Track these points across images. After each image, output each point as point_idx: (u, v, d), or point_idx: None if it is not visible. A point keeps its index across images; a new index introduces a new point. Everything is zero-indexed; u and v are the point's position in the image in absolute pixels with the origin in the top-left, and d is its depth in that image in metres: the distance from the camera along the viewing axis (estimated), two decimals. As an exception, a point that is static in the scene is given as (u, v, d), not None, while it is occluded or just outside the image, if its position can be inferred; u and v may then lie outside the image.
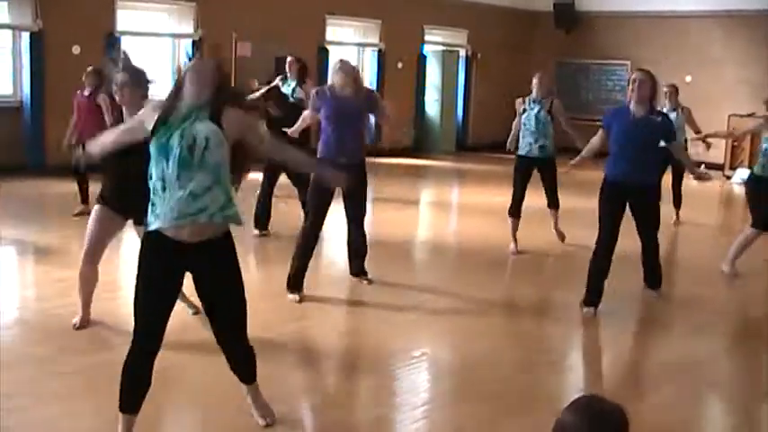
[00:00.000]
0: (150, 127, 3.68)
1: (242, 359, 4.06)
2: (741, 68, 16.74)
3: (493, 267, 8.09)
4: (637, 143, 6.33)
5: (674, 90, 10.33)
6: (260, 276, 7.64)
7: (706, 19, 17.21)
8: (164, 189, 3.61)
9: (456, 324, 6.26)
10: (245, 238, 8.74)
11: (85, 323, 5.58)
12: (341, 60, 6.83)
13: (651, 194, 6.70)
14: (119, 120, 5.12)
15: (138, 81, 5.16)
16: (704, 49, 17.32)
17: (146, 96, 5.14)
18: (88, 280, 5.56)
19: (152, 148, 3.64)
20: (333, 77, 6.75)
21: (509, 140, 8.69)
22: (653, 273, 6.98)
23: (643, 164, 6.38)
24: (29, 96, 12.07)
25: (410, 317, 6.31)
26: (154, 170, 3.64)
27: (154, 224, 3.66)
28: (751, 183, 8.15)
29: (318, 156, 6.58)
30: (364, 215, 6.96)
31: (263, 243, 8.60)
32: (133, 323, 3.78)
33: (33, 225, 8.86)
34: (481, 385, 5.03)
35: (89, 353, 5.23)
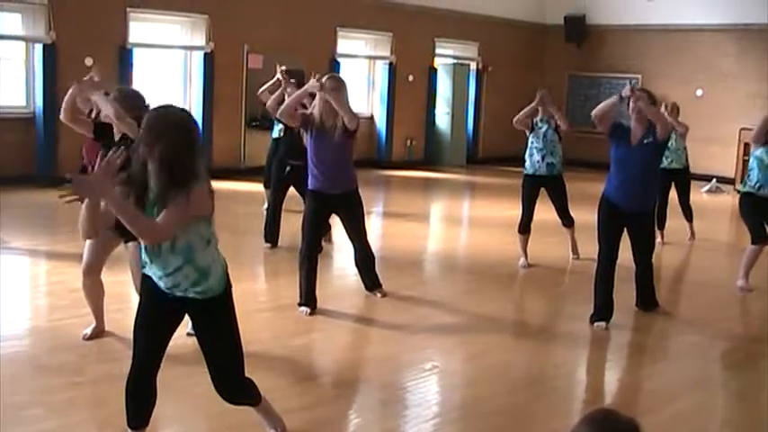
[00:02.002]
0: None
1: (238, 395, 4.01)
2: (753, 82, 16.71)
3: (504, 281, 8.08)
4: (638, 169, 6.36)
5: (675, 108, 10.14)
6: (269, 288, 7.65)
7: (717, 33, 17.19)
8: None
9: (467, 338, 6.25)
10: (255, 250, 8.78)
11: (100, 333, 5.61)
12: (331, 77, 6.62)
13: (649, 219, 6.78)
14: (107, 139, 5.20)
15: (132, 105, 5.24)
16: (715, 63, 17.30)
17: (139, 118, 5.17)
18: (92, 293, 5.59)
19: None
20: (317, 103, 6.54)
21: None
22: (646, 294, 6.94)
23: (644, 190, 6.45)
24: (41, 108, 12.14)
25: (420, 330, 6.30)
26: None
27: (147, 270, 3.69)
28: (741, 200, 8.11)
29: (309, 188, 6.63)
30: (365, 237, 6.96)
31: (273, 255, 8.60)
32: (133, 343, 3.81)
33: (45, 235, 8.90)
34: (492, 399, 5.02)
35: (101, 363, 5.25)
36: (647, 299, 6.94)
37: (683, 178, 10.08)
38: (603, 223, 6.51)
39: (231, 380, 3.92)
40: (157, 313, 3.73)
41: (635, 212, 6.44)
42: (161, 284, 3.65)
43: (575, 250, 8.80)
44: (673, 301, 7.71)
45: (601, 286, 6.48)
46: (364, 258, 6.99)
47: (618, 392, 5.55)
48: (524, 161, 8.45)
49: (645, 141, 6.32)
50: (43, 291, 7.27)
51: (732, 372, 5.97)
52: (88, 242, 5.42)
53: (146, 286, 3.74)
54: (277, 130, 10.01)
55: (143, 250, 3.62)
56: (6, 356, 5.19)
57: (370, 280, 7.05)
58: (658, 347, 6.46)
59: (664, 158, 8.74)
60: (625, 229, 6.55)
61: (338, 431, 4.59)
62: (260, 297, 7.16)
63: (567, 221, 8.62)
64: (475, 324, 6.57)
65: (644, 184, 6.41)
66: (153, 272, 3.64)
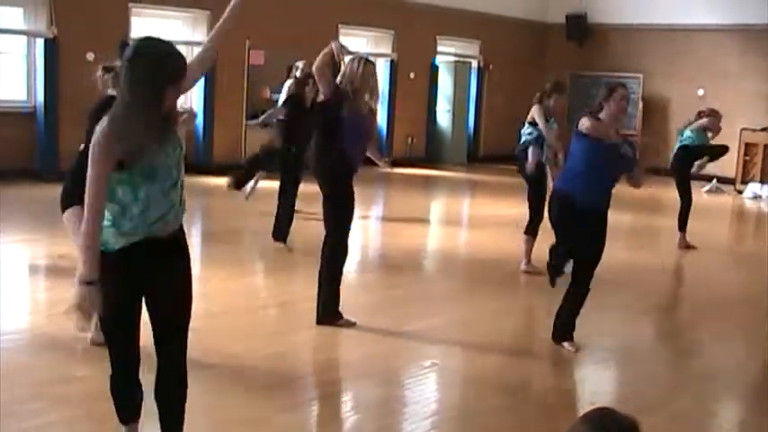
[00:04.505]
0: None
1: (184, 380, 3.67)
2: (754, 82, 16.71)
3: (504, 280, 8.07)
4: (611, 172, 5.80)
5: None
6: (268, 284, 7.66)
7: (719, 32, 17.19)
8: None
9: (466, 335, 6.25)
10: (255, 246, 8.78)
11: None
12: (365, 60, 6.14)
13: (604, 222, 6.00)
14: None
15: None
16: (717, 63, 17.29)
17: None
18: None
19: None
20: (359, 80, 5.97)
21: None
22: (567, 324, 6.02)
23: (609, 193, 5.86)
24: (42, 102, 12.14)
25: (419, 328, 6.30)
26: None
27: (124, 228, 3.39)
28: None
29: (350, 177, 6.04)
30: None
31: (271, 252, 8.58)
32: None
33: (45, 231, 8.88)
34: (490, 397, 5.02)
35: (100, 358, 5.23)
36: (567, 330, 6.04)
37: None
38: (574, 227, 5.80)
39: (183, 356, 3.62)
40: (127, 292, 3.46)
41: (599, 214, 5.86)
42: (141, 233, 3.33)
43: None
44: (669, 301, 7.73)
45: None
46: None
47: (616, 391, 5.55)
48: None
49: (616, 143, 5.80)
50: (43, 285, 7.28)
51: (731, 371, 5.97)
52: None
53: (111, 263, 3.34)
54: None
55: (136, 202, 3.28)
56: (5, 350, 5.20)
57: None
58: (658, 347, 6.46)
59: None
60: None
61: (337, 428, 4.59)
62: (260, 293, 7.16)
63: None
64: (474, 322, 6.58)
65: (611, 186, 5.86)
66: (140, 220, 3.31)
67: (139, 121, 3.18)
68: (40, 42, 12.11)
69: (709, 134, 10.11)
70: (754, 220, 14.34)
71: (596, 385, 5.65)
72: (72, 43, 12.14)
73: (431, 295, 7.29)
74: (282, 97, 10.12)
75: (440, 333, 6.25)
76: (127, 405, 3.74)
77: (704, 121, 10.02)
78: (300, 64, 9.35)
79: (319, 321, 6.03)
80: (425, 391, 5.18)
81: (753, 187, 15.83)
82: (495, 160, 17.93)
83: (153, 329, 3.57)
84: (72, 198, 4.95)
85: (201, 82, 13.78)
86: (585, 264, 5.83)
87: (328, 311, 6.04)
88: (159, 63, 3.22)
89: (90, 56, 12.31)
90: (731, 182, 16.16)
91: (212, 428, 4.39)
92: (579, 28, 18.81)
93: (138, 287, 3.49)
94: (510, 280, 8.08)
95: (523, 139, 7.98)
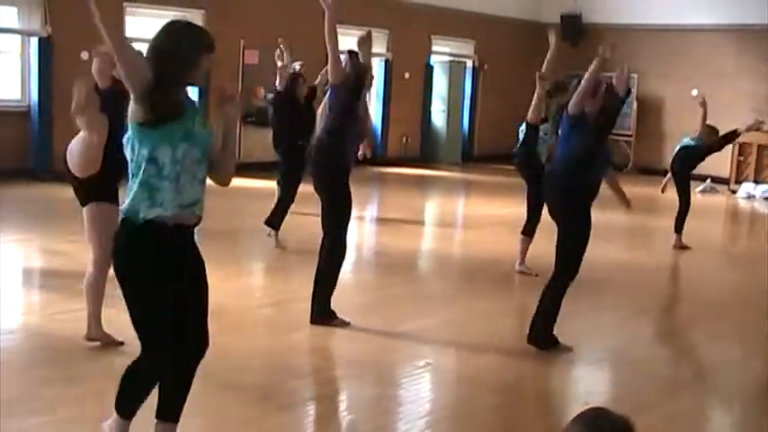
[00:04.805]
0: None
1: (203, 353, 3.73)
2: (749, 82, 16.73)
3: (498, 279, 8.07)
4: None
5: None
6: (264, 284, 7.65)
7: (714, 33, 17.21)
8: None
9: (460, 335, 6.25)
10: (251, 246, 8.77)
11: (99, 338, 5.25)
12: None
13: None
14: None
15: None
16: (712, 63, 17.32)
17: None
18: (99, 292, 5.13)
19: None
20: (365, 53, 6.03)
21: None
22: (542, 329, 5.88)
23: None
24: (37, 101, 12.11)
25: (414, 327, 6.30)
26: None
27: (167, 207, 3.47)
28: None
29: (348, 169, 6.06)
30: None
31: (269, 251, 8.56)
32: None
33: (39, 230, 8.88)
34: (485, 396, 5.03)
35: (94, 359, 5.23)
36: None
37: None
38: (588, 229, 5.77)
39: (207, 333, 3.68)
40: (174, 268, 3.49)
41: None
42: (172, 210, 3.41)
43: None
44: (664, 302, 7.74)
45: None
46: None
47: (611, 391, 5.56)
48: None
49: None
50: (37, 285, 7.26)
51: (726, 372, 5.98)
52: (104, 231, 4.79)
53: (145, 233, 3.41)
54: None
55: (177, 178, 3.39)
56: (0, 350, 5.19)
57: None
58: (652, 347, 6.47)
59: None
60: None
61: (331, 427, 4.59)
62: (255, 293, 7.16)
63: None
64: (469, 322, 6.58)
65: None
66: (174, 194, 3.40)
67: (176, 84, 3.40)
68: (34, 41, 12.08)
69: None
70: (748, 219, 14.38)
71: (591, 385, 5.65)
72: (66, 42, 12.10)
73: (425, 295, 7.29)
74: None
75: (434, 333, 6.25)
76: (139, 396, 3.66)
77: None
78: (298, 65, 9.33)
79: (313, 321, 6.03)
80: (419, 391, 5.18)
81: (746, 187, 15.87)
82: (489, 160, 17.95)
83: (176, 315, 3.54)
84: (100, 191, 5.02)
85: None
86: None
87: (323, 311, 6.04)
88: (195, 31, 3.50)
89: (84, 55, 12.25)
90: (725, 182, 16.19)
91: (206, 428, 4.39)
92: (574, 28, 18.82)
93: (172, 269, 3.50)
94: (504, 280, 8.08)
95: (539, 141, 7.80)
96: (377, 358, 5.66)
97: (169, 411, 3.65)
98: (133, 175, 3.42)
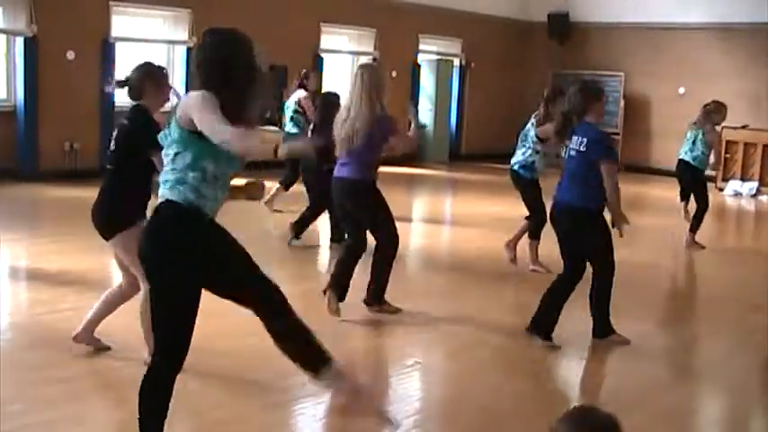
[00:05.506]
0: None
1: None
2: (736, 81, 16.79)
3: (486, 278, 8.08)
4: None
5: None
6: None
7: (701, 31, 17.28)
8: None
9: (449, 334, 6.26)
10: (251, 245, 8.75)
11: (89, 342, 5.21)
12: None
13: None
14: None
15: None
16: (699, 62, 17.39)
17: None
18: (116, 300, 5.13)
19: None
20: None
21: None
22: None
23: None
24: (23, 101, 12.04)
25: (402, 326, 6.30)
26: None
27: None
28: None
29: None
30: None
31: (267, 250, 8.52)
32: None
33: (26, 230, 8.84)
34: (473, 395, 5.03)
35: (82, 359, 5.21)
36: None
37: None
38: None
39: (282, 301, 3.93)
40: (201, 272, 3.64)
41: None
42: (213, 204, 3.65)
43: None
44: (655, 299, 7.76)
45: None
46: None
47: (599, 389, 5.58)
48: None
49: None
50: (24, 286, 7.23)
51: (717, 368, 6.00)
52: (134, 258, 4.33)
53: (189, 217, 3.56)
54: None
55: (215, 177, 3.59)
56: (-14, 351, 5.17)
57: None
58: (642, 344, 6.48)
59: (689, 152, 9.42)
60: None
61: (320, 426, 4.59)
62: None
63: None
64: (457, 320, 6.58)
65: None
66: (216, 192, 3.63)
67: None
68: (19, 41, 12.01)
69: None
70: (735, 217, 14.44)
71: (580, 384, 5.67)
72: (52, 42, 12.06)
73: (413, 293, 7.29)
74: (292, 106, 10.15)
75: (422, 331, 6.26)
76: (161, 410, 3.52)
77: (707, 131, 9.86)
78: (311, 75, 9.24)
79: (368, 303, 6.47)
80: (408, 390, 5.18)
81: (733, 185, 15.94)
82: (477, 158, 17.96)
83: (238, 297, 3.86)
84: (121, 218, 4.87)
85: (183, 81, 13.75)
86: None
87: (378, 297, 6.46)
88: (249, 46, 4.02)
89: (70, 54, 12.27)
90: (712, 179, 16.25)
91: (196, 427, 4.38)
92: (561, 26, 18.85)
93: (206, 260, 3.64)
94: (494, 278, 8.09)
95: (536, 162, 7.94)
96: (364, 357, 5.66)
97: None
98: (173, 170, 3.54)
